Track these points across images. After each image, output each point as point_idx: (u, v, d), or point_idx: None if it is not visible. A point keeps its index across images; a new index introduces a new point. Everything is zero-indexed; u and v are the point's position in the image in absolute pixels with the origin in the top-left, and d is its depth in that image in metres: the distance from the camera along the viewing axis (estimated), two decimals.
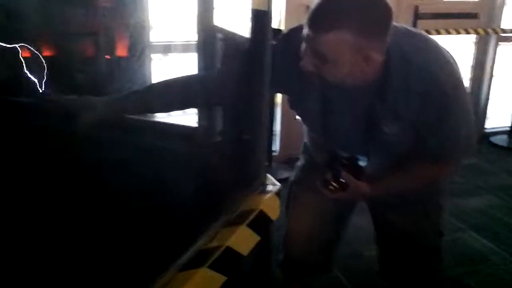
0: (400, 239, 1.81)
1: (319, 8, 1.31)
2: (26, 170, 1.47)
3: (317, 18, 1.31)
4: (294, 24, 1.56)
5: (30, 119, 1.60)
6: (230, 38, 1.47)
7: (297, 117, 1.73)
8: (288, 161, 3.60)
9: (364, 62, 1.34)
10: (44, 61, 2.45)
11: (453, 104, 1.42)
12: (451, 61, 1.46)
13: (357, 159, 1.56)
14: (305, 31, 1.34)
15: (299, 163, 1.93)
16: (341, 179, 1.53)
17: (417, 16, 3.88)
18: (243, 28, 1.35)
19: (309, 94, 1.51)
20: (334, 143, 1.62)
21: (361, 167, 1.56)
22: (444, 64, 1.43)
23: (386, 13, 1.31)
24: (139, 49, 2.54)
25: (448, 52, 1.48)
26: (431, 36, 1.53)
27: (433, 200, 1.77)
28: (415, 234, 1.77)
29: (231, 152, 1.37)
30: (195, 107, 1.56)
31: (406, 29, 1.47)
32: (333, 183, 1.54)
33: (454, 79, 1.44)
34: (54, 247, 1.18)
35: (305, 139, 1.89)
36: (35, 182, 1.44)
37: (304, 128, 1.82)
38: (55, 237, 1.21)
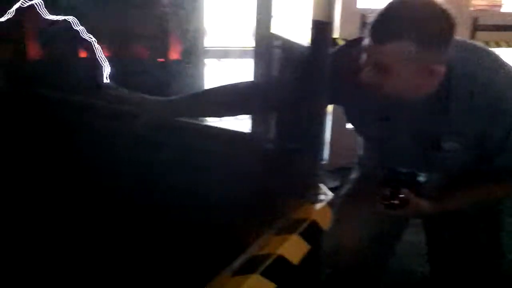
0: (456, 258, 1.76)
1: (380, 18, 1.30)
2: (84, 168, 1.51)
3: (379, 28, 1.30)
4: (349, 33, 1.56)
5: (88, 117, 1.64)
6: (288, 47, 1.47)
7: (349, 126, 1.71)
8: (337, 170, 3.57)
9: (425, 74, 1.32)
10: (104, 61, 2.52)
11: None
12: None
13: (417, 175, 1.53)
14: (366, 41, 1.33)
15: (353, 175, 1.90)
16: (400, 195, 1.50)
17: (476, 27, 3.79)
18: (301, 37, 1.35)
19: (366, 108, 1.50)
20: (391, 157, 1.59)
21: (420, 183, 1.52)
22: (508, 79, 1.40)
23: (449, 25, 1.29)
24: (192, 53, 2.58)
25: (508, 63, 1.44)
26: (491, 49, 1.49)
27: (495, 217, 1.72)
28: (473, 253, 1.72)
29: (285, 160, 1.37)
30: (251, 114, 1.57)
31: (468, 43, 1.44)
32: (392, 200, 1.51)
33: None
34: (113, 249, 1.21)
35: (360, 152, 1.86)
36: (89, 179, 1.48)
37: (360, 140, 1.80)
38: (114, 241, 1.24)
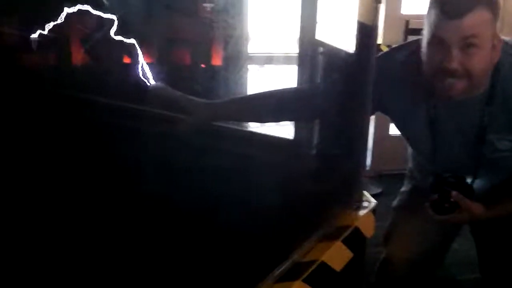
0: (507, 266, 1.72)
1: None
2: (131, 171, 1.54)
3: (453, 2, 1.26)
4: (393, 39, 1.54)
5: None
6: (333, 53, 1.47)
7: (392, 132, 1.69)
8: (379, 176, 3.55)
9: (493, 47, 1.30)
10: (146, 65, 2.56)
11: None
12: None
13: (465, 178, 1.50)
14: (437, 25, 1.28)
15: (404, 188, 1.88)
16: (451, 199, 1.47)
17: None
18: (346, 43, 1.35)
19: (415, 115, 1.48)
20: (441, 164, 1.56)
21: (470, 186, 1.49)
22: None
23: None
24: (236, 59, 2.59)
25: None
26: None
27: None
28: None
29: (329, 167, 1.37)
30: (296, 120, 1.57)
31: (508, 39, 1.42)
32: (442, 204, 1.48)
33: None
34: (157, 252, 1.23)
35: (410, 164, 1.84)
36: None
37: (409, 152, 1.78)
38: (157, 243, 1.26)
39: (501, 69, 1.33)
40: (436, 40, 1.30)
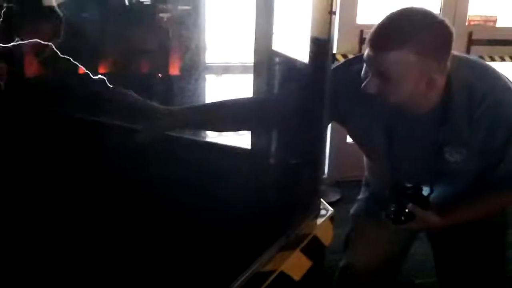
0: (465, 269, 1.77)
1: (381, 27, 1.32)
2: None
3: (380, 38, 1.31)
4: (348, 48, 1.58)
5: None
6: (289, 63, 1.48)
7: (349, 140, 1.72)
8: (338, 183, 3.58)
9: (426, 84, 1.34)
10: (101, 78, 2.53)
11: None
12: (510, 86, 1.45)
13: (421, 189, 1.53)
14: (367, 51, 1.34)
15: (361, 195, 1.91)
16: (406, 210, 1.51)
17: (471, 42, 3.82)
18: (302, 53, 1.37)
19: (371, 125, 1.51)
20: (397, 173, 1.60)
21: (426, 197, 1.53)
22: (506, 89, 1.43)
23: (448, 36, 1.32)
24: (193, 68, 2.59)
25: (505, 76, 1.48)
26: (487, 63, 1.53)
27: (501, 225, 1.73)
28: (481, 263, 1.73)
29: (286, 176, 1.38)
30: (253, 129, 1.58)
31: (465, 57, 1.47)
32: (399, 215, 1.52)
33: None
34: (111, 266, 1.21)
35: (366, 173, 1.87)
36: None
37: (366, 161, 1.82)
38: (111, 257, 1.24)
39: (453, 85, 1.37)
40: (364, 66, 1.37)
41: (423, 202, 1.50)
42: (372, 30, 1.34)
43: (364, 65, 1.37)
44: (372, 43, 1.33)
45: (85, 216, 1.44)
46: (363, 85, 1.36)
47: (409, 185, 1.54)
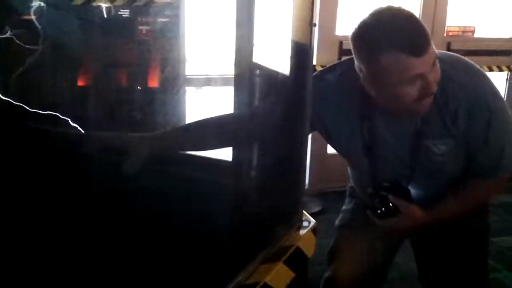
0: (448, 275, 1.77)
1: (403, 32, 1.29)
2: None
3: (414, 41, 1.29)
4: (327, 60, 1.58)
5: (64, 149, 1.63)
6: (270, 75, 1.48)
7: (330, 151, 1.73)
8: (319, 194, 3.59)
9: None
10: (79, 91, 2.51)
11: (497, 117, 1.45)
12: (486, 75, 1.50)
13: (404, 184, 1.54)
14: (413, 62, 1.29)
15: (345, 206, 1.91)
16: (390, 203, 1.51)
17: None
18: (283, 65, 1.37)
19: (350, 133, 1.52)
20: (380, 177, 1.60)
21: (406, 188, 1.54)
22: (483, 78, 1.47)
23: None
24: (173, 81, 2.59)
25: (478, 67, 1.52)
26: None
27: (483, 232, 1.76)
28: (464, 268, 1.74)
29: (268, 189, 1.37)
30: (233, 146, 1.57)
31: (440, 51, 1.49)
32: (382, 208, 1.52)
33: (494, 91, 1.48)
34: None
35: (351, 182, 1.88)
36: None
37: (349, 171, 1.82)
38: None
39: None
40: (409, 78, 1.32)
41: (405, 194, 1.51)
42: (389, 41, 1.29)
43: (418, 83, 1.32)
44: (415, 52, 1.28)
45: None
46: (422, 92, 1.33)
47: (391, 180, 1.55)
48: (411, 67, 1.29)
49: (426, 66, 1.31)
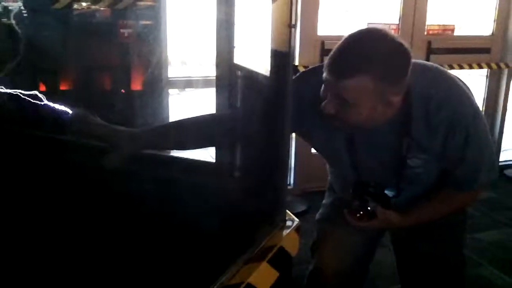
0: (426, 269, 1.80)
1: (339, 53, 1.33)
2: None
3: (338, 64, 1.33)
4: (310, 60, 1.59)
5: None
6: (251, 76, 1.49)
7: (314, 150, 1.74)
8: (304, 194, 3.60)
9: (384, 106, 1.37)
10: (61, 95, 2.50)
11: (474, 133, 1.46)
12: (466, 90, 1.50)
13: (384, 188, 1.56)
14: (325, 75, 1.35)
15: (325, 200, 1.93)
16: (368, 207, 1.54)
17: (430, 51, 3.92)
18: (263, 67, 1.38)
19: (334, 135, 1.54)
20: (362, 177, 1.62)
21: (386, 195, 1.56)
22: (461, 95, 1.47)
23: (406, 59, 1.35)
24: (155, 83, 2.59)
25: (461, 80, 1.52)
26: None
27: (460, 225, 1.79)
28: (441, 262, 1.76)
29: (252, 189, 1.38)
30: (217, 145, 1.58)
31: (421, 64, 1.50)
32: (360, 212, 1.54)
33: (472, 107, 1.48)
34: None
35: (330, 177, 1.90)
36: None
37: (328, 167, 1.84)
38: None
39: (411, 95, 1.41)
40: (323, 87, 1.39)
41: (385, 202, 1.54)
42: (330, 54, 1.35)
43: (323, 85, 1.39)
44: (330, 69, 1.34)
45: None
46: (322, 105, 1.38)
47: (371, 183, 1.57)
48: (324, 79, 1.35)
49: (332, 88, 1.34)
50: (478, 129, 1.48)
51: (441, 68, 1.54)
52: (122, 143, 1.36)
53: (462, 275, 1.83)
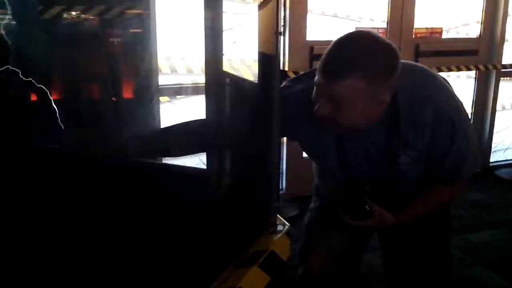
0: (413, 270, 1.82)
1: (330, 55, 1.37)
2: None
3: (329, 67, 1.37)
4: (299, 65, 1.61)
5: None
6: (239, 83, 1.51)
7: (305, 155, 1.76)
8: (295, 199, 3.61)
9: (376, 105, 1.40)
10: (53, 104, 2.50)
11: (459, 128, 1.50)
12: (449, 87, 1.57)
13: (380, 187, 1.59)
14: (317, 78, 1.38)
15: (312, 205, 1.95)
16: (366, 206, 1.56)
17: (418, 53, 3.95)
18: (251, 73, 1.40)
19: (323, 138, 1.56)
20: (353, 178, 1.65)
21: (383, 194, 1.59)
22: (445, 93, 1.54)
23: (395, 58, 1.39)
24: (146, 91, 2.59)
25: (443, 78, 1.59)
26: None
27: (446, 224, 1.83)
28: (428, 261, 1.79)
29: (242, 194, 1.40)
30: (207, 151, 1.59)
31: (407, 64, 1.53)
32: (359, 211, 1.56)
33: (455, 102, 1.54)
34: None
35: (316, 181, 1.91)
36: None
37: (315, 169, 1.86)
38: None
39: (399, 95, 1.44)
40: (315, 90, 1.42)
41: (381, 201, 1.56)
42: (322, 57, 1.39)
43: (315, 89, 1.41)
44: (322, 72, 1.37)
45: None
46: (314, 108, 1.41)
47: (368, 183, 1.59)
48: (316, 82, 1.39)
49: (324, 90, 1.37)
50: (462, 120, 1.53)
51: (427, 68, 1.59)
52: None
53: (450, 275, 1.85)
